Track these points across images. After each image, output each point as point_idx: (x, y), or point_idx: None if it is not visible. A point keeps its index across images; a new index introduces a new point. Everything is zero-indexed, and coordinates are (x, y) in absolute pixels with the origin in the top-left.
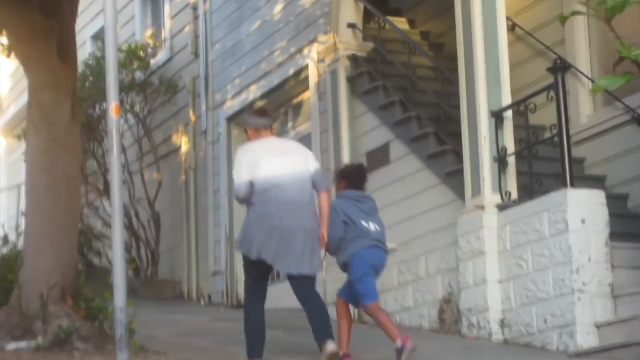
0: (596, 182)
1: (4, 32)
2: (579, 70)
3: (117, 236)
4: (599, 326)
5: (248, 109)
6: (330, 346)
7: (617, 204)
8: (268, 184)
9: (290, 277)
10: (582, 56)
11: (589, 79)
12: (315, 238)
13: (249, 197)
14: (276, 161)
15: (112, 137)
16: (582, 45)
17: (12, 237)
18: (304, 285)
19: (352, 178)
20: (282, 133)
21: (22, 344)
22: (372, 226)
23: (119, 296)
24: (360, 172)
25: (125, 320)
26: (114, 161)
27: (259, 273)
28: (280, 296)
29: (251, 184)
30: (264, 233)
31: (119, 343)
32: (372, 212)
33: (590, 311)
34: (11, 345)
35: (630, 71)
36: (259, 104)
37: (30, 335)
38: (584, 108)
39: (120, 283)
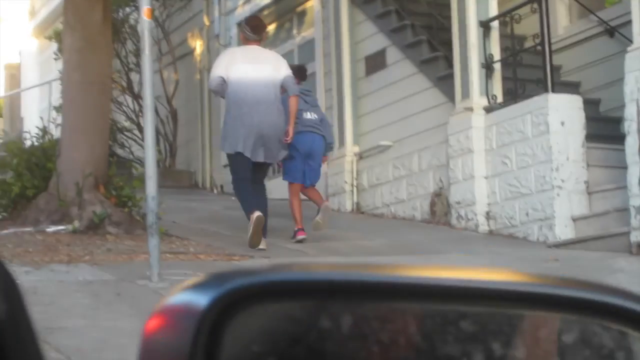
0: (572, 87)
1: None
2: None
3: (149, 130)
4: (575, 219)
5: (249, 17)
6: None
7: (591, 108)
8: (239, 86)
9: (256, 164)
10: None
11: None
12: (280, 133)
13: (221, 91)
14: (249, 66)
15: (144, 37)
16: None
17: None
18: (264, 172)
19: (298, 75)
20: (287, 38)
21: (61, 227)
22: (310, 115)
23: (151, 185)
24: (302, 70)
25: (156, 208)
26: (146, 59)
27: (242, 166)
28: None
29: (224, 81)
30: (240, 131)
31: (150, 229)
32: (313, 104)
33: (568, 206)
34: (51, 229)
35: None
36: (267, 10)
37: (68, 219)
38: (561, 20)
39: (152, 173)
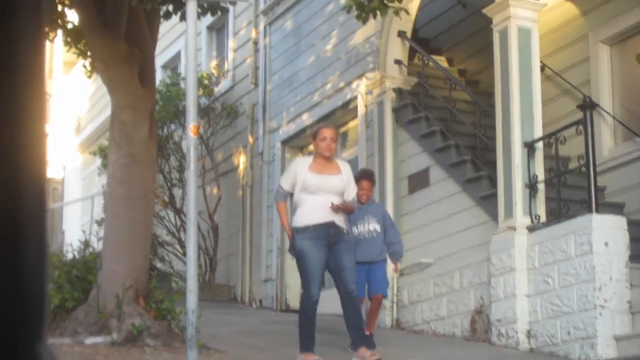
0: (616, 208)
1: (90, 56)
2: (602, 109)
3: (192, 244)
4: (617, 339)
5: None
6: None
7: (635, 229)
8: None
9: None
10: (605, 95)
11: (610, 115)
12: None
13: None
14: None
15: (190, 153)
16: (605, 86)
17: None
18: None
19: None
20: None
21: (99, 339)
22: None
23: (191, 298)
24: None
25: (196, 322)
26: (191, 175)
27: None
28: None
29: None
30: None
31: (189, 342)
32: None
33: (610, 325)
34: (89, 340)
35: None
36: (309, 131)
37: (106, 331)
38: (606, 142)
39: (192, 287)
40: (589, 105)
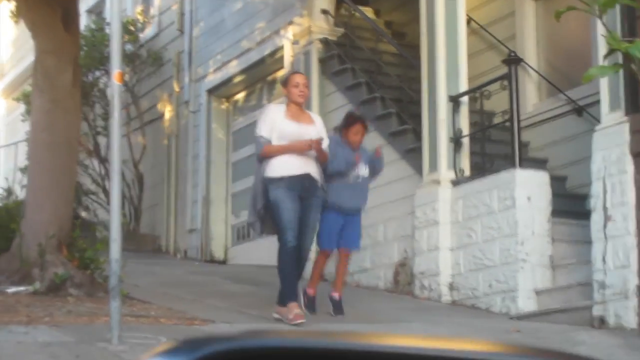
0: (539, 164)
1: None
2: (527, 64)
3: (116, 193)
4: (538, 292)
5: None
6: None
7: (557, 184)
8: None
9: None
10: (530, 51)
11: (535, 71)
12: None
13: None
14: None
15: (114, 101)
16: (530, 41)
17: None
18: None
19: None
20: (258, 107)
21: (21, 288)
22: None
23: (115, 248)
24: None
25: (119, 271)
26: (115, 123)
27: None
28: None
29: None
30: None
31: (112, 291)
32: None
33: (531, 279)
34: (11, 289)
35: (617, 63)
36: (238, 78)
37: (29, 280)
38: (531, 97)
39: (116, 236)
40: (513, 60)
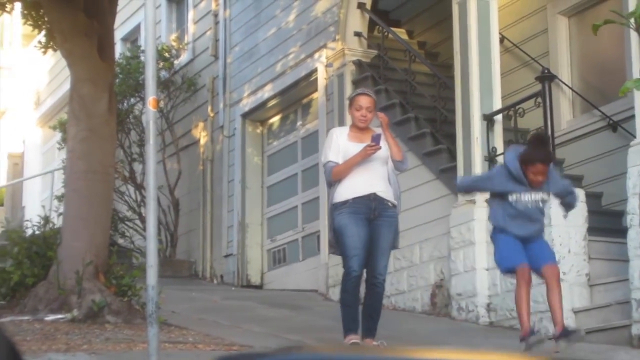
0: (575, 181)
1: (48, 28)
2: (561, 80)
3: (151, 219)
4: (576, 312)
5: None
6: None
7: (593, 201)
8: None
9: None
10: (563, 67)
11: (569, 87)
12: None
13: None
14: None
15: (149, 127)
16: (564, 58)
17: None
18: None
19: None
20: (292, 130)
21: (59, 316)
22: None
23: (151, 274)
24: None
25: (156, 298)
26: (150, 149)
27: None
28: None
29: None
30: None
31: (149, 318)
32: None
33: (569, 298)
34: (50, 317)
35: None
36: (272, 102)
37: (66, 308)
38: (565, 114)
39: (152, 262)
40: (547, 77)
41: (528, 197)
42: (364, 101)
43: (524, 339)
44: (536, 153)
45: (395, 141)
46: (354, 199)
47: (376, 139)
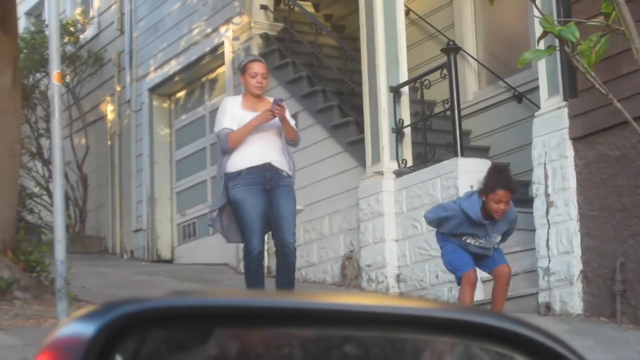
0: (481, 152)
1: None
2: (466, 52)
3: (58, 194)
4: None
5: None
6: None
7: None
8: None
9: None
10: (468, 39)
11: (474, 59)
12: None
13: None
14: None
15: (54, 101)
16: (469, 30)
17: None
18: None
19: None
20: (199, 104)
21: None
22: None
23: (60, 249)
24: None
25: (65, 273)
26: (56, 123)
27: None
28: None
29: None
30: None
31: (58, 293)
32: None
33: None
34: None
35: (552, 45)
36: (179, 76)
37: None
38: (470, 86)
39: (60, 237)
40: (452, 49)
41: (484, 242)
42: (258, 67)
43: None
44: (498, 180)
45: (290, 126)
46: (249, 169)
47: (277, 102)
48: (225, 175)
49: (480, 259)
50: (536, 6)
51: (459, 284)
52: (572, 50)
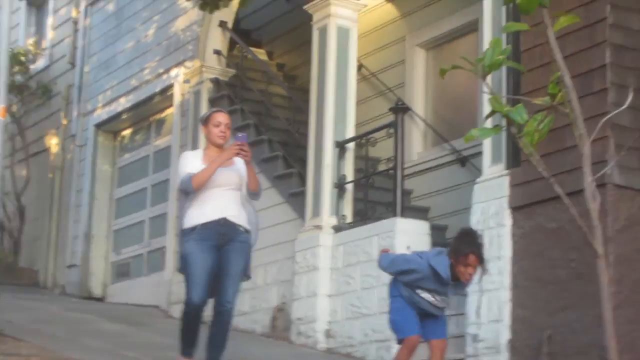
0: (421, 212)
1: None
2: (415, 112)
3: None
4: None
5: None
6: None
7: (437, 234)
8: None
9: None
10: (419, 99)
11: (422, 120)
12: None
13: None
14: None
15: None
16: (419, 90)
17: None
18: None
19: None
20: (145, 143)
21: None
22: None
23: None
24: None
25: None
26: None
27: None
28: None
29: None
30: None
31: None
32: None
33: None
34: None
35: (498, 125)
36: (127, 114)
37: None
38: (416, 146)
39: None
40: (401, 109)
41: (439, 300)
42: (222, 117)
43: None
44: (469, 245)
45: (255, 174)
46: (203, 224)
47: (241, 139)
48: (181, 231)
49: (424, 320)
50: (486, 84)
51: (398, 343)
52: (519, 131)
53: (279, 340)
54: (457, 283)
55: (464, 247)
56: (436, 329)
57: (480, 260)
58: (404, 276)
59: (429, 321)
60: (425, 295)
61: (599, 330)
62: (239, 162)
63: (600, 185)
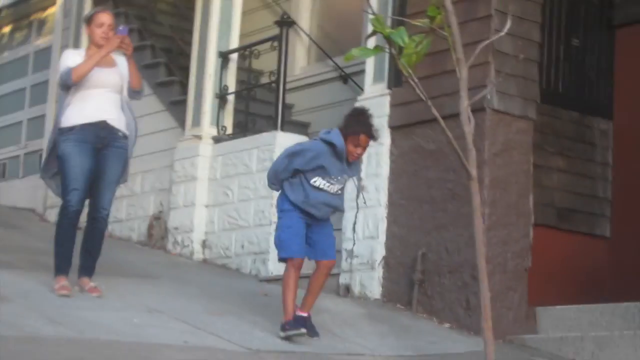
0: (301, 127)
1: None
2: (299, 27)
3: None
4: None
5: None
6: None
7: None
8: None
9: None
10: (305, 14)
11: (307, 35)
12: None
13: None
14: None
15: None
16: (306, 5)
17: None
18: None
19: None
20: (24, 43)
21: None
22: None
23: None
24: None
25: None
26: None
27: None
28: None
29: None
30: None
31: None
32: None
33: None
34: None
35: (379, 45)
36: (5, 12)
37: None
38: (299, 60)
39: None
40: (285, 23)
41: (333, 182)
42: (106, 18)
43: (286, 325)
44: (362, 125)
45: (137, 70)
46: (82, 125)
47: (122, 32)
48: (58, 130)
49: (312, 235)
50: (369, 4)
51: (280, 260)
52: (399, 53)
53: (155, 248)
54: (350, 163)
55: (356, 126)
56: (324, 250)
57: (372, 140)
58: (296, 161)
59: (317, 239)
60: (321, 183)
61: (471, 250)
62: (121, 64)
63: (480, 109)
